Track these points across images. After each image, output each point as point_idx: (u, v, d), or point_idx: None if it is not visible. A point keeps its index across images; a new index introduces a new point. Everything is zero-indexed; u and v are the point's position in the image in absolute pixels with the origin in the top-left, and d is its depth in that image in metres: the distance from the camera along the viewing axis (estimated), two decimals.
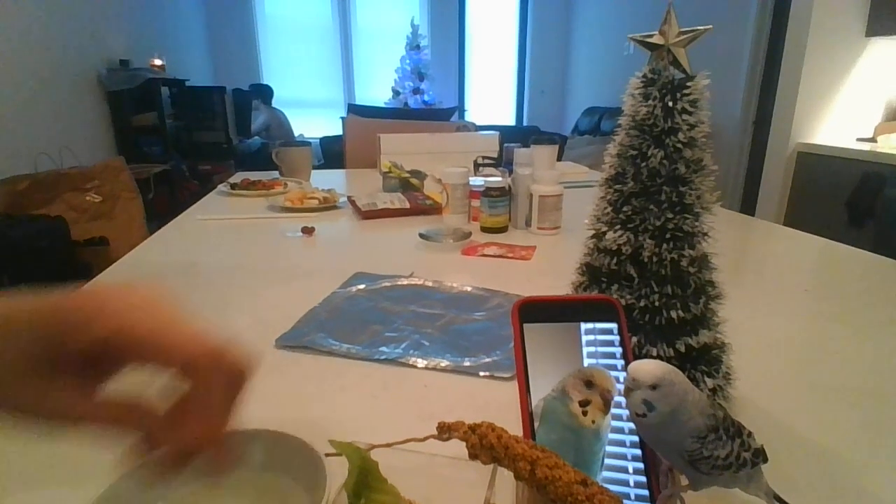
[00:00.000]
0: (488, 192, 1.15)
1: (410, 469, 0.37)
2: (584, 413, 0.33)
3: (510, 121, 7.05)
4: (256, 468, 0.36)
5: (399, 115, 4.41)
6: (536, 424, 0.34)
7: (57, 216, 2.52)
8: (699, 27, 0.43)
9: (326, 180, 1.75)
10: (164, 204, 3.61)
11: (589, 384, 0.34)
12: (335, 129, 4.85)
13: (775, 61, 3.24)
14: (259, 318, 0.71)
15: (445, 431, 0.33)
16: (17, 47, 2.88)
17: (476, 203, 1.21)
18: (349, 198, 1.40)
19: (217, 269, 0.95)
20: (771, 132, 2.91)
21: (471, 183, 1.24)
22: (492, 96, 6.97)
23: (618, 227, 0.47)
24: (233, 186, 1.62)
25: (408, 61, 6.17)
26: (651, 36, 0.44)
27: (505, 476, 0.33)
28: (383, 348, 0.62)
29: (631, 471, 0.34)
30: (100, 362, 0.24)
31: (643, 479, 0.34)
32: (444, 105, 6.17)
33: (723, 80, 3.89)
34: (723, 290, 0.49)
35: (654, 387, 0.30)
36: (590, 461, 0.33)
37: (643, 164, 0.45)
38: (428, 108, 5.93)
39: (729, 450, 0.31)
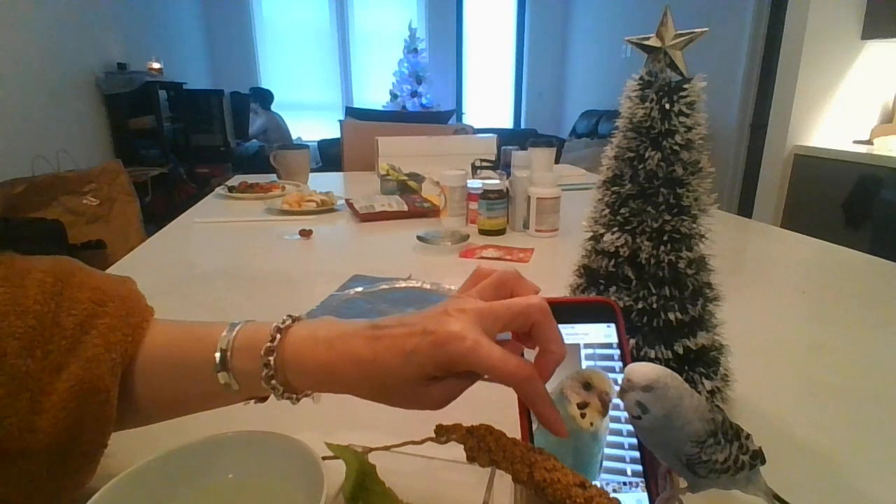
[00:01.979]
0: (486, 195, 1.15)
1: (408, 472, 0.37)
2: (583, 415, 0.33)
3: (508, 124, 7.05)
4: (254, 471, 0.36)
5: (397, 118, 4.41)
6: (535, 427, 0.34)
7: (54, 219, 2.51)
8: (696, 29, 0.44)
9: (324, 183, 1.75)
10: (161, 207, 3.60)
11: (587, 386, 0.34)
12: (333, 132, 4.84)
13: (772, 64, 3.25)
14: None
15: (443, 434, 0.33)
16: (14, 50, 2.88)
17: (474, 205, 1.21)
18: (347, 200, 1.40)
19: (214, 272, 0.95)
20: (768, 134, 2.92)
21: (469, 185, 1.24)
22: (489, 99, 6.98)
23: (615, 229, 0.47)
24: (230, 189, 1.62)
25: (405, 64, 6.18)
26: (648, 38, 0.44)
27: (503, 479, 0.33)
28: None
29: (629, 473, 0.34)
30: (465, 374, 0.33)
31: (641, 480, 0.34)
32: (441, 108, 6.17)
33: (720, 83, 3.91)
34: (720, 292, 0.49)
35: (647, 389, 0.30)
36: (588, 463, 0.33)
37: (640, 166, 0.45)
38: (426, 111, 5.93)
39: (727, 453, 0.31)
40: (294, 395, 0.35)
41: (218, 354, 0.35)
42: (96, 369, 0.34)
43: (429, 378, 0.32)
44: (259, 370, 0.34)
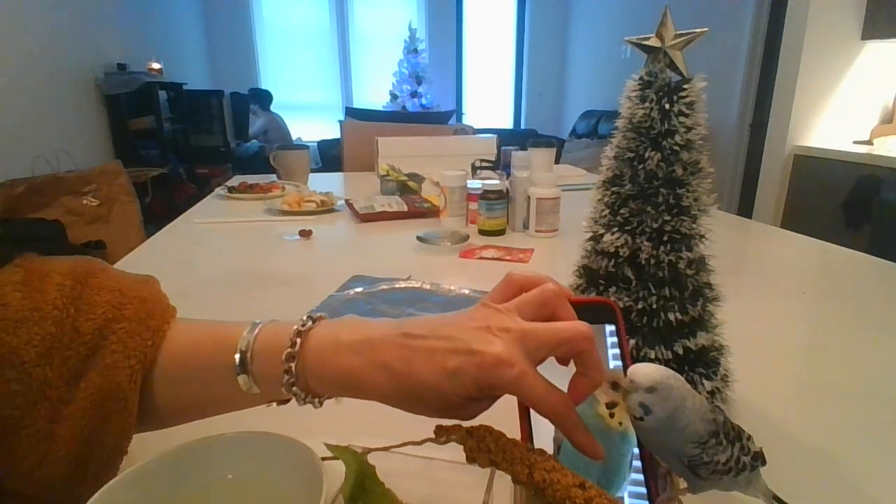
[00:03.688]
0: (486, 195, 1.15)
1: (408, 473, 0.37)
2: (612, 415, 0.33)
3: (508, 124, 7.05)
4: (253, 471, 0.36)
5: (397, 118, 4.41)
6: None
7: (54, 220, 2.51)
8: (695, 30, 0.44)
9: (324, 183, 1.75)
10: (161, 207, 3.60)
11: (615, 386, 0.33)
12: (333, 133, 4.85)
13: (772, 64, 3.25)
14: None
15: (443, 435, 0.32)
16: (14, 51, 2.88)
17: (474, 206, 1.21)
18: (347, 201, 1.40)
19: (214, 273, 0.95)
20: (767, 135, 2.92)
21: (468, 186, 1.24)
22: (489, 99, 6.98)
23: (615, 229, 0.47)
24: (230, 190, 1.62)
25: (405, 65, 6.18)
26: (648, 38, 0.44)
27: (503, 479, 0.33)
28: None
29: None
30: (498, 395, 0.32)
31: (641, 479, 0.33)
32: (441, 108, 6.17)
33: (719, 83, 3.90)
34: (720, 292, 0.49)
35: (651, 390, 0.30)
36: (618, 462, 0.33)
37: (640, 166, 0.45)
38: (426, 112, 5.94)
39: (729, 454, 0.31)
40: (316, 400, 0.34)
41: (238, 356, 0.34)
42: (115, 377, 0.33)
43: (468, 397, 0.31)
44: (280, 376, 0.33)
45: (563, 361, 0.33)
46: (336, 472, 0.33)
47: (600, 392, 0.33)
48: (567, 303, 0.33)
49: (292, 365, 0.33)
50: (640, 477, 0.34)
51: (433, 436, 0.33)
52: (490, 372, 0.29)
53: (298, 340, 0.33)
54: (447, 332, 0.31)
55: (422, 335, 0.31)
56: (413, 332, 0.32)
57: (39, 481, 0.32)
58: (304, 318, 0.34)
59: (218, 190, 1.66)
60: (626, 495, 0.33)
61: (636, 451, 0.34)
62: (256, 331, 0.35)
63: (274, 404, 0.36)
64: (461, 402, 0.31)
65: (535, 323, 0.32)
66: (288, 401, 0.35)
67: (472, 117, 6.82)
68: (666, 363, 0.46)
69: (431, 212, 1.34)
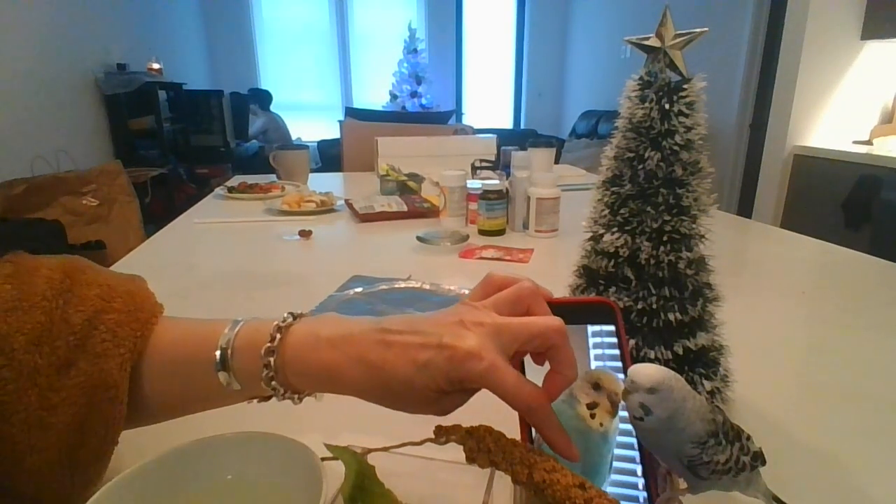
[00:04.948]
0: (486, 195, 1.15)
1: (407, 473, 0.37)
2: (592, 416, 0.33)
3: (508, 124, 7.05)
4: (252, 472, 0.36)
5: (397, 118, 4.41)
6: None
7: (53, 220, 2.51)
8: (695, 29, 0.43)
9: (324, 183, 1.75)
10: (161, 207, 3.60)
11: (596, 387, 0.34)
12: (333, 133, 4.84)
13: (771, 64, 3.25)
14: None
15: (442, 435, 0.32)
16: (14, 51, 2.88)
17: (473, 206, 1.21)
18: (346, 201, 1.40)
19: (214, 273, 0.95)
20: (767, 135, 2.92)
21: (468, 186, 1.24)
22: (489, 99, 6.98)
23: (615, 229, 0.47)
24: (230, 190, 1.62)
25: (405, 65, 6.18)
26: (647, 38, 0.44)
27: (503, 480, 0.33)
28: None
29: (629, 473, 0.34)
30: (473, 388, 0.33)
31: (621, 480, 0.33)
32: (441, 108, 6.17)
33: (719, 83, 3.90)
34: (720, 292, 0.49)
35: (651, 390, 0.30)
36: (598, 464, 0.33)
37: (640, 166, 0.45)
38: (425, 112, 5.93)
39: (728, 454, 0.31)
40: (296, 396, 0.35)
41: (218, 353, 0.34)
42: (105, 365, 0.34)
43: (439, 390, 0.31)
44: (259, 371, 0.33)
45: (538, 360, 0.34)
46: (336, 473, 0.33)
47: (581, 393, 0.33)
48: (542, 300, 0.34)
49: (271, 360, 0.33)
50: (621, 478, 0.34)
51: (433, 436, 0.33)
52: (460, 365, 0.30)
53: (278, 336, 0.34)
54: (422, 328, 0.32)
55: (398, 330, 0.32)
56: (391, 327, 0.32)
57: (31, 470, 0.33)
58: (286, 314, 0.35)
59: (217, 190, 1.65)
60: None
61: (635, 453, 0.34)
62: (237, 328, 0.35)
63: (255, 400, 0.36)
64: (434, 396, 0.31)
65: (509, 318, 0.32)
66: (269, 398, 0.36)
67: (471, 117, 6.82)
68: (666, 363, 0.46)
69: (431, 212, 1.34)
